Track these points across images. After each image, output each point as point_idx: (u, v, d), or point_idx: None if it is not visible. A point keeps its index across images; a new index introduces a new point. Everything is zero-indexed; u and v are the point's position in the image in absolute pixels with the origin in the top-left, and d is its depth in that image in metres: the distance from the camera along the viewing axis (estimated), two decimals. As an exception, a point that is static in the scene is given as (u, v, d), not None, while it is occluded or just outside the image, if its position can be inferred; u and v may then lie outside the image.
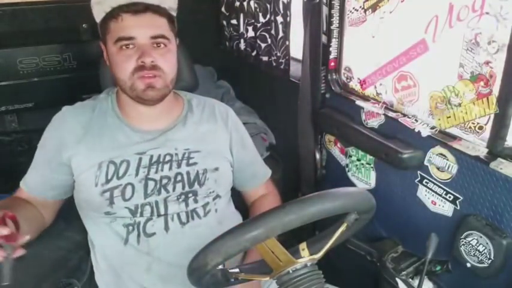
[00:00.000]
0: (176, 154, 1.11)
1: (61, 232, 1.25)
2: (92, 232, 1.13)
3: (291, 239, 0.90)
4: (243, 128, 1.28)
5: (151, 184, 1.07)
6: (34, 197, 1.11)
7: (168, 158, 1.10)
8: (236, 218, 1.24)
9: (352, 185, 1.40)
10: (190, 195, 1.10)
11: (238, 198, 1.30)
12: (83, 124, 1.10)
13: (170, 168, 1.09)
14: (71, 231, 1.21)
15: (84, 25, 1.76)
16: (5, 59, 1.61)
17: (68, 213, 1.17)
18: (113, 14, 1.03)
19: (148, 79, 1.03)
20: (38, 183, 1.12)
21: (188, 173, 1.10)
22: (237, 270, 0.89)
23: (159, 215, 1.07)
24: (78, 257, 1.21)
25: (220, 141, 1.19)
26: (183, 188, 1.09)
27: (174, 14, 1.11)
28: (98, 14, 1.07)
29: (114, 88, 1.16)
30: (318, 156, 1.51)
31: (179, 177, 1.09)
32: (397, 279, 1.12)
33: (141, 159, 1.08)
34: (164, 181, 1.08)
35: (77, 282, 1.09)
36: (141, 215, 1.06)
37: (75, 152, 1.07)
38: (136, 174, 1.07)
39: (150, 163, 1.08)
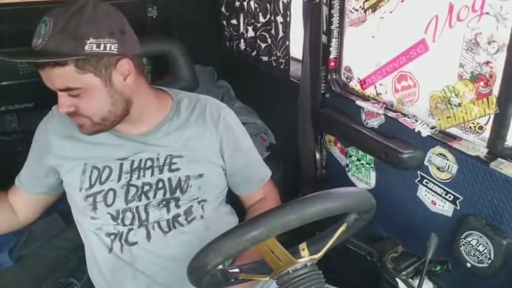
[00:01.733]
0: (158, 159, 1.08)
1: (61, 232, 1.25)
2: (82, 237, 1.14)
3: (291, 239, 0.90)
4: (239, 129, 1.21)
5: (132, 190, 1.06)
6: (25, 194, 1.15)
7: (149, 163, 1.08)
8: (229, 221, 1.20)
9: (352, 185, 1.40)
10: (171, 201, 1.08)
11: (236, 198, 1.29)
12: (67, 125, 1.09)
13: (152, 174, 1.07)
14: (71, 231, 1.21)
15: (84, 25, 1.76)
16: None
17: (68, 213, 1.17)
18: None
19: (76, 121, 1.02)
20: (29, 180, 1.14)
21: (170, 180, 1.07)
22: (237, 270, 0.89)
23: (140, 224, 1.06)
24: (78, 257, 1.21)
25: (208, 145, 1.13)
26: (164, 195, 1.07)
27: (97, 48, 0.91)
28: None
29: None
30: (318, 156, 1.51)
31: (160, 184, 1.07)
32: (397, 279, 1.12)
33: (123, 165, 1.07)
34: (146, 188, 1.07)
35: (76, 282, 1.09)
36: (123, 222, 1.06)
37: (59, 152, 1.08)
38: (119, 180, 1.06)
39: (132, 169, 1.07)
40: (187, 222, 1.09)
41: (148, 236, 1.06)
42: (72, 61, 0.90)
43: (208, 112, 1.16)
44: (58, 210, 1.25)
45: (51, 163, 1.09)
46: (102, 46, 0.92)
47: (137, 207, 1.06)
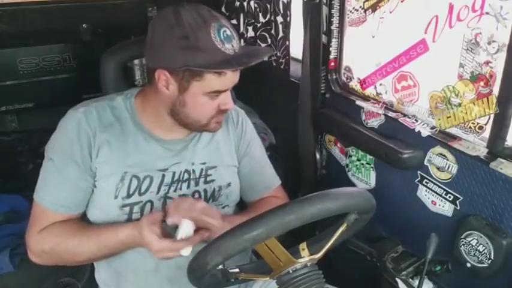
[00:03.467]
0: (194, 171, 1.09)
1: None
2: None
3: (291, 239, 0.89)
4: (251, 135, 1.22)
5: (169, 203, 1.05)
6: (75, 215, 1.04)
7: (186, 176, 1.08)
8: None
9: (352, 185, 1.40)
10: None
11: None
12: (105, 127, 1.03)
13: (188, 186, 1.08)
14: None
15: (84, 25, 1.76)
16: (5, 59, 1.60)
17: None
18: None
19: (222, 118, 1.05)
20: (81, 201, 1.03)
21: (205, 191, 1.10)
22: (237, 270, 0.89)
23: None
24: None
25: (232, 148, 1.16)
26: None
27: None
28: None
29: (134, 91, 1.10)
30: (318, 156, 1.51)
31: (196, 195, 1.09)
32: (397, 279, 1.12)
33: (164, 177, 1.06)
34: None
35: (76, 282, 1.09)
36: None
37: (100, 154, 1.02)
38: (157, 192, 1.05)
39: (172, 181, 1.06)
40: None
41: None
42: None
43: (229, 115, 1.18)
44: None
45: (94, 168, 1.02)
46: None
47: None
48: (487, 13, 0.92)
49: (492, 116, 0.97)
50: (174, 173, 1.07)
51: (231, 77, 0.97)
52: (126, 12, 1.92)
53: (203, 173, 1.10)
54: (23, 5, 1.72)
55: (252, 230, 0.72)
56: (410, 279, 1.12)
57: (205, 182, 1.10)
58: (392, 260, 1.17)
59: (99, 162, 1.02)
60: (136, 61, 1.84)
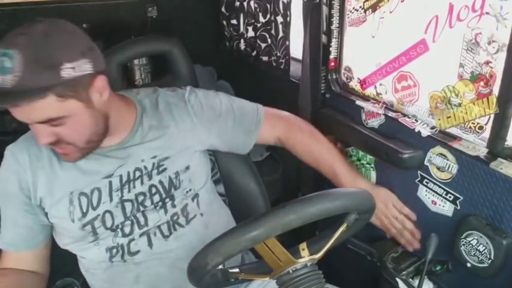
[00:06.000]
0: (145, 167, 1.06)
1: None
2: (76, 253, 1.10)
3: (291, 239, 0.89)
4: (205, 100, 1.17)
5: (128, 205, 1.04)
6: (26, 253, 1.06)
7: (138, 173, 1.05)
8: (224, 216, 1.21)
9: (353, 185, 1.39)
10: (167, 200, 1.07)
11: (229, 190, 1.28)
12: (37, 157, 1.02)
13: (142, 183, 1.05)
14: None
15: (84, 25, 1.76)
16: (5, 59, 1.60)
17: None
18: None
19: (58, 150, 0.98)
20: (25, 237, 1.05)
21: (161, 182, 1.06)
22: (237, 270, 0.89)
23: (141, 231, 1.04)
24: (72, 260, 1.20)
25: (187, 134, 1.11)
26: (160, 197, 1.07)
27: (74, 72, 0.86)
28: None
29: None
30: (318, 156, 1.50)
31: (154, 190, 1.06)
32: (397, 279, 1.12)
33: (112, 183, 1.03)
34: (140, 198, 1.05)
35: (76, 282, 1.08)
36: (123, 232, 1.04)
37: (39, 186, 1.01)
38: (111, 200, 1.03)
39: (122, 184, 1.04)
40: (187, 223, 1.08)
41: (150, 244, 1.05)
42: (54, 91, 0.85)
43: (172, 104, 1.13)
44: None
45: (38, 201, 1.02)
46: (77, 68, 0.87)
47: (135, 216, 1.05)
48: (487, 13, 0.92)
49: (492, 116, 0.97)
50: (121, 176, 1.04)
51: (13, 111, 0.88)
52: (126, 12, 1.93)
53: (155, 166, 1.06)
54: (23, 5, 1.72)
55: (252, 230, 0.72)
56: (410, 279, 1.12)
57: (159, 173, 1.06)
58: (393, 260, 1.17)
59: (42, 192, 1.01)
60: (136, 61, 1.84)
